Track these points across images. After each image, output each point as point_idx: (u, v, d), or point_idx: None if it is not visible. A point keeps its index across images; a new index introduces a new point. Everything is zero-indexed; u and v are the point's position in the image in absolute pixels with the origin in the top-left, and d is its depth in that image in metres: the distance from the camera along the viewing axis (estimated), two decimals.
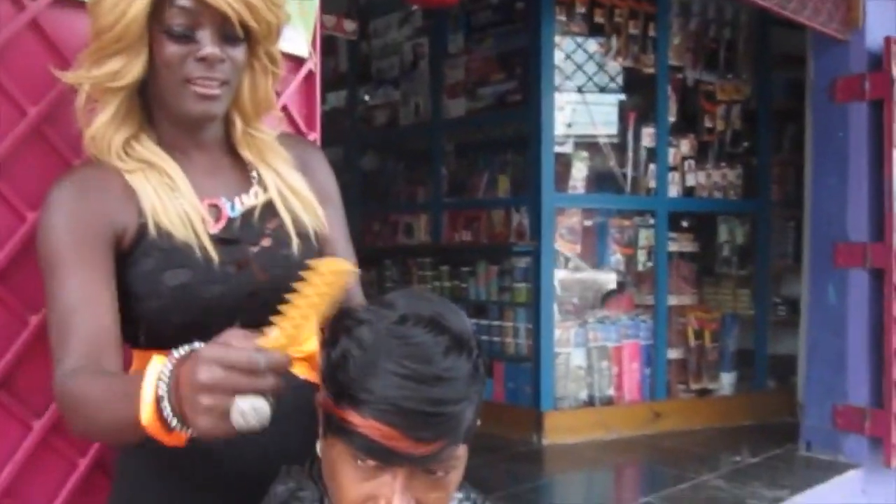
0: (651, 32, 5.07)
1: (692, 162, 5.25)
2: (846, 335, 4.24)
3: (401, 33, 5.74)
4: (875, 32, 4.18)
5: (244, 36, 1.26)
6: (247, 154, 1.37)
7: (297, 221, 1.33)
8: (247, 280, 1.27)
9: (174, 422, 0.97)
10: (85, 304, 1.18)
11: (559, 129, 4.81)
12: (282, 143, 1.41)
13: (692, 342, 5.20)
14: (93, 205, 1.23)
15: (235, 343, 0.95)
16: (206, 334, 1.19)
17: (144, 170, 1.27)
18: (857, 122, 4.20)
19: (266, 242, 1.30)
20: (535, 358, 4.71)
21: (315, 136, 1.85)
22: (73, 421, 1.14)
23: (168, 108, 1.28)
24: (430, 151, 5.56)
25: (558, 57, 4.82)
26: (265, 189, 1.34)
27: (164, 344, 1.21)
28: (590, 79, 4.96)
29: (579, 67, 4.92)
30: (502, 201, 5.12)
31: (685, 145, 5.23)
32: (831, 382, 4.29)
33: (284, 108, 1.77)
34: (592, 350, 4.87)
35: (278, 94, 1.78)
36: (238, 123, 1.36)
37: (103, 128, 1.27)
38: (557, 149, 4.79)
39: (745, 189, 5.47)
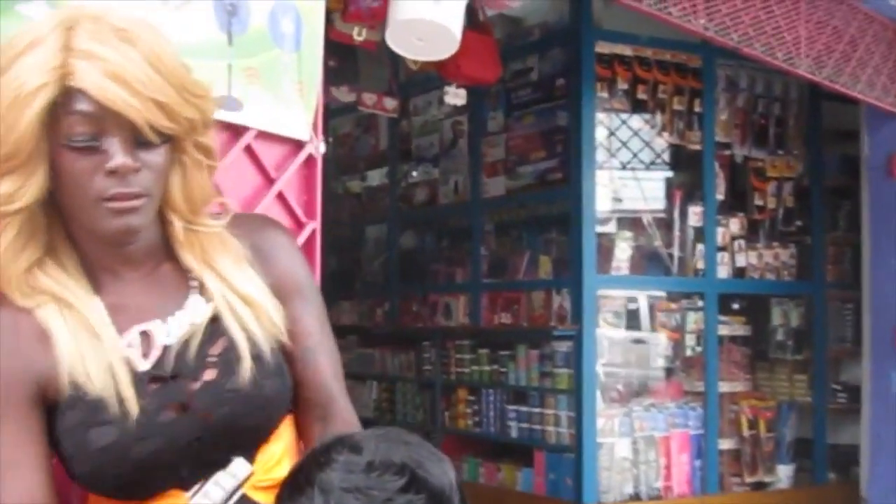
0: (697, 108, 4.98)
1: (742, 241, 5.12)
2: None
3: (440, 111, 5.70)
4: None
5: (162, 137, 1.10)
6: (188, 258, 1.19)
7: (248, 339, 1.15)
8: (188, 426, 1.10)
9: None
10: (9, 469, 1.06)
11: (602, 207, 4.71)
12: (235, 232, 1.23)
13: (746, 432, 5.01)
14: (6, 354, 1.08)
15: None
16: (148, 488, 1.12)
17: (58, 305, 1.11)
18: None
19: (209, 375, 1.13)
20: (577, 448, 4.53)
21: (315, 224, 1.72)
22: None
23: (82, 227, 1.13)
24: (469, 230, 5.48)
25: (601, 134, 4.73)
26: (208, 300, 1.17)
27: (111, 494, 1.14)
28: (635, 155, 4.89)
29: (623, 144, 4.85)
30: (543, 283, 4.98)
31: (734, 224, 5.10)
32: None
33: (280, 195, 1.65)
34: (639, 440, 4.69)
35: (273, 180, 1.66)
36: (176, 222, 1.19)
37: (1, 258, 1.10)
38: (600, 228, 4.67)
39: (799, 270, 5.32)
